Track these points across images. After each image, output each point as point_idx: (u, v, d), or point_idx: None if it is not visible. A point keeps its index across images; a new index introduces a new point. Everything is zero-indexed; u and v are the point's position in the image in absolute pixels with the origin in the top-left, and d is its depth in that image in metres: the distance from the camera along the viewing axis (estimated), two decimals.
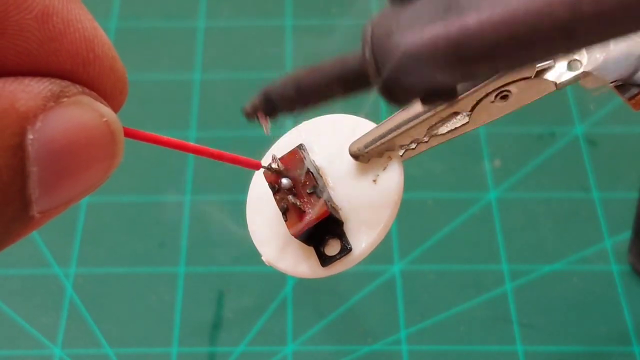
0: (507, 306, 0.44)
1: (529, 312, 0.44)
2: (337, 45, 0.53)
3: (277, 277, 0.45)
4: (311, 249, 0.27)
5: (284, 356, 0.43)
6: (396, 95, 0.21)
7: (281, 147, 0.28)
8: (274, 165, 0.26)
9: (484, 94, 0.25)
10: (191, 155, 0.50)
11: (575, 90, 0.51)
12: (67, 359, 0.43)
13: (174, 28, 0.55)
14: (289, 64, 0.53)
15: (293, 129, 0.29)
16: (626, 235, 0.45)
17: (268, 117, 0.24)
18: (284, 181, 0.26)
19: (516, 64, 0.20)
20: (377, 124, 0.27)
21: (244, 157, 0.25)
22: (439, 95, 0.21)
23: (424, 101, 0.21)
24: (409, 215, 0.47)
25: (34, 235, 0.47)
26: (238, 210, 0.46)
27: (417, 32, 0.20)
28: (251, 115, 0.25)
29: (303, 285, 0.45)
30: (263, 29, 0.55)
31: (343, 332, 0.44)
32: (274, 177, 0.26)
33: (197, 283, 0.45)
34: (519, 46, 0.19)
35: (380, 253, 0.46)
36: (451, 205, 0.47)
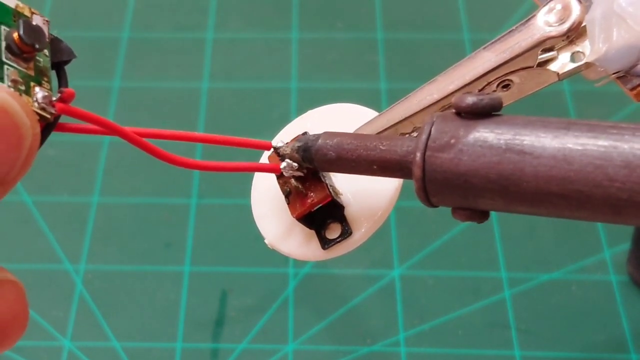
0: (505, 312, 0.43)
1: (527, 318, 0.43)
2: (342, 57, 0.53)
3: (279, 278, 0.45)
4: (313, 233, 0.26)
5: (284, 354, 0.42)
6: (431, 204, 0.22)
7: (287, 134, 0.27)
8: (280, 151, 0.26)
9: (485, 82, 0.25)
10: (198, 157, 0.50)
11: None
12: (76, 351, 0.42)
13: (183, 39, 0.55)
14: (295, 75, 0.52)
15: (298, 117, 0.28)
16: (625, 246, 0.44)
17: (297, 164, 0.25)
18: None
19: (552, 215, 0.20)
20: (379, 112, 0.26)
21: (255, 140, 0.25)
22: (472, 217, 0.21)
23: (455, 213, 0.22)
24: (409, 223, 0.46)
25: (47, 233, 0.46)
26: (242, 213, 0.46)
27: (473, 160, 0.20)
28: (281, 154, 0.25)
29: (304, 286, 0.44)
30: (269, 41, 0.55)
31: (343, 332, 0.43)
32: (279, 162, 0.26)
33: (201, 282, 0.45)
34: (564, 205, 0.19)
35: (380, 258, 0.46)
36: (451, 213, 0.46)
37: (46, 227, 0.47)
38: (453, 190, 0.21)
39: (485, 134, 0.20)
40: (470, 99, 0.21)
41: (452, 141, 0.20)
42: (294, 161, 0.24)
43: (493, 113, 0.21)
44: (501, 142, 0.20)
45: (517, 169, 0.19)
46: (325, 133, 0.24)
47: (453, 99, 0.21)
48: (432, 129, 0.21)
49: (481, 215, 0.21)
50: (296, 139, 0.25)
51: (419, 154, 0.21)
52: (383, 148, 0.22)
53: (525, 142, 0.19)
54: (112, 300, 0.44)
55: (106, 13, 0.56)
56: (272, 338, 0.43)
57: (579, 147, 0.19)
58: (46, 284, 0.45)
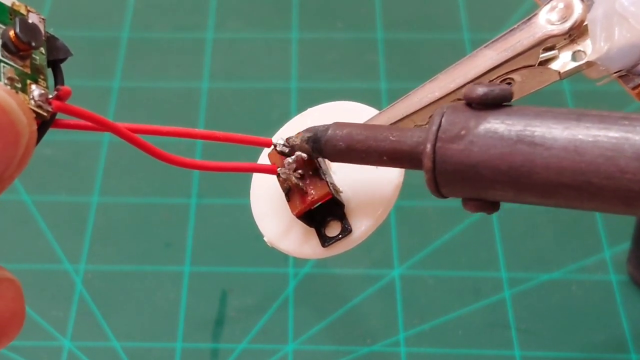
0: (506, 312, 0.43)
1: (527, 318, 0.42)
2: (342, 57, 0.53)
3: (279, 278, 0.44)
4: (313, 231, 0.26)
5: (284, 354, 0.42)
6: (441, 195, 0.22)
7: (287, 131, 0.27)
8: (279, 148, 0.25)
9: (487, 81, 0.24)
10: (197, 157, 0.50)
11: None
12: (75, 351, 0.42)
13: (183, 39, 0.55)
14: (295, 75, 0.52)
15: (298, 115, 0.28)
16: (625, 246, 0.44)
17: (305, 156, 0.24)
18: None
19: (562, 206, 0.20)
20: (380, 110, 0.26)
21: (255, 137, 0.25)
22: (482, 208, 0.21)
23: (466, 204, 0.21)
24: (410, 222, 0.46)
25: (46, 232, 0.46)
26: (242, 213, 0.46)
27: (484, 151, 0.20)
28: (291, 145, 0.25)
29: (304, 286, 0.44)
30: (269, 41, 0.55)
31: (343, 332, 0.43)
32: (278, 159, 0.26)
33: (201, 282, 0.45)
34: (575, 196, 0.19)
35: (380, 258, 0.46)
36: (452, 213, 0.46)
37: (46, 227, 0.47)
38: (463, 181, 0.20)
39: (496, 125, 0.20)
40: (481, 90, 0.20)
41: (463, 132, 0.20)
42: (304, 151, 0.24)
43: (503, 104, 0.21)
44: (512, 133, 0.19)
45: (528, 160, 0.19)
46: (335, 123, 0.24)
47: (464, 90, 0.21)
48: (443, 120, 0.21)
49: (491, 206, 0.21)
50: (306, 130, 0.24)
51: (429, 145, 0.21)
52: (393, 139, 0.22)
53: (536, 134, 0.19)
54: (112, 300, 0.44)
55: (106, 13, 0.56)
56: (272, 338, 0.42)
57: (590, 139, 0.18)
58: (46, 284, 0.45)
